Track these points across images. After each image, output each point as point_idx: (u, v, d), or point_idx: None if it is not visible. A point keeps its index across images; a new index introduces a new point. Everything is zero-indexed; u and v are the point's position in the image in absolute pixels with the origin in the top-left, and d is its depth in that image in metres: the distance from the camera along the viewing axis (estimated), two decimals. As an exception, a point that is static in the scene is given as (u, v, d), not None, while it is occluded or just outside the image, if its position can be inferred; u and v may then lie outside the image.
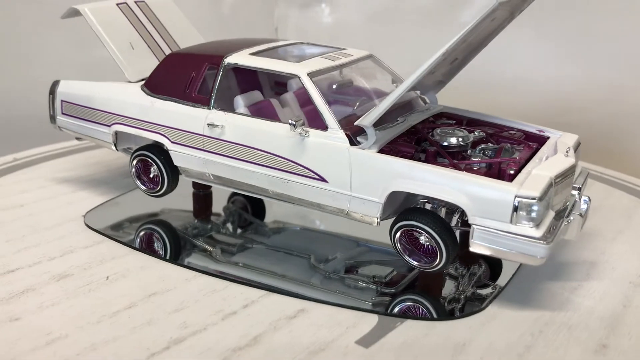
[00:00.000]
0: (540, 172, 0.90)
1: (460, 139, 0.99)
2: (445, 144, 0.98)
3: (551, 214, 0.89)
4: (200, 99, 1.06)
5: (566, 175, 0.93)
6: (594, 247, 1.10)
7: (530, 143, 1.02)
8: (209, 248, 1.09)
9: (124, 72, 1.16)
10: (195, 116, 1.06)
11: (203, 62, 1.08)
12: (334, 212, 0.99)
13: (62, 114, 1.22)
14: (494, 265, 1.04)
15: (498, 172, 0.93)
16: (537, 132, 1.09)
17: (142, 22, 1.24)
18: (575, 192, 0.98)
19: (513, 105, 1.69)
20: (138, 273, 0.97)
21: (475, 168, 0.93)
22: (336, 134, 0.95)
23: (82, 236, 1.08)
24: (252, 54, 1.07)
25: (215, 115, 1.04)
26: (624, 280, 0.99)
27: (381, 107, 0.92)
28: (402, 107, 1.06)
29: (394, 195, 0.93)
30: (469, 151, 1.00)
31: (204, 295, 0.91)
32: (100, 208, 1.21)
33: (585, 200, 0.98)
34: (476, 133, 1.03)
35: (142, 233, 1.13)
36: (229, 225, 1.20)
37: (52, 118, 1.24)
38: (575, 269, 1.03)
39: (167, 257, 1.05)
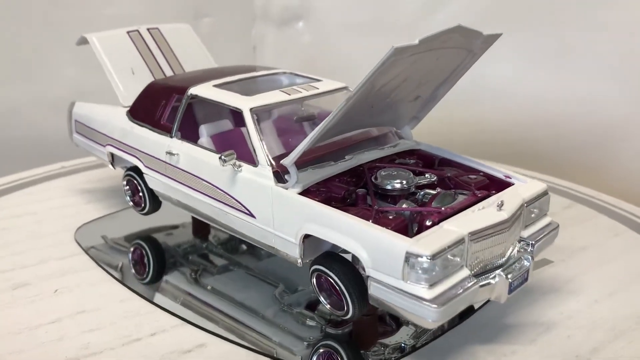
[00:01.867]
0: (452, 227, 0.83)
1: (402, 182, 0.94)
2: (387, 187, 0.94)
3: (461, 274, 0.82)
4: (166, 127, 1.11)
5: (491, 232, 0.85)
6: (556, 303, 1.00)
7: (480, 192, 0.95)
8: (191, 269, 1.14)
9: (118, 96, 1.24)
10: (160, 143, 1.11)
11: (172, 92, 1.13)
12: (265, 248, 0.99)
13: (76, 132, 1.34)
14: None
15: (419, 221, 0.87)
16: (503, 177, 1.00)
17: (149, 48, 1.32)
18: (516, 249, 0.90)
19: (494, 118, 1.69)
20: (85, 289, 1.04)
21: (391, 217, 0.88)
22: (264, 171, 0.95)
23: (66, 247, 1.18)
24: (215, 85, 1.10)
25: (174, 143, 1.08)
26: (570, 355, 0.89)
27: (300, 147, 0.90)
28: (357, 144, 1.04)
29: (316, 237, 0.91)
30: (418, 195, 0.95)
31: (124, 317, 0.96)
32: (103, 220, 1.30)
33: (527, 259, 0.90)
34: (427, 176, 0.97)
35: (132, 249, 1.21)
36: (223, 246, 1.24)
37: (70, 135, 1.36)
38: (521, 330, 0.94)
39: (121, 277, 1.10)
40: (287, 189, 0.92)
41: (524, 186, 0.97)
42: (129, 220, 1.29)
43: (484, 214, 0.87)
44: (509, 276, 0.86)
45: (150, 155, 1.12)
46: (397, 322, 0.98)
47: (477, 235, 0.83)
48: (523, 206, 0.92)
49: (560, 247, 1.10)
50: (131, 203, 1.23)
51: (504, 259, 0.88)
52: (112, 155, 1.24)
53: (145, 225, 1.27)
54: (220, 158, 0.96)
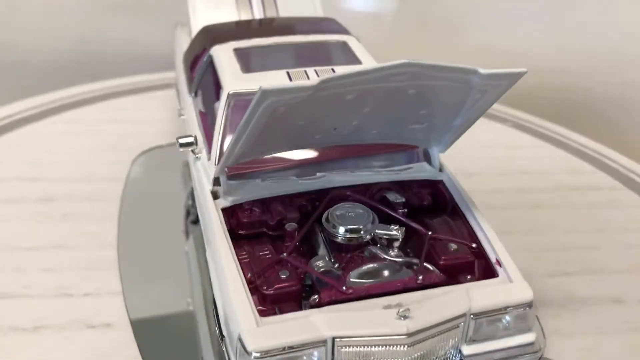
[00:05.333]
0: (320, 320, 0.64)
1: (352, 231, 0.76)
2: (332, 229, 0.77)
3: None
4: (191, 82, 1.04)
5: (376, 342, 0.64)
6: None
7: (433, 274, 0.72)
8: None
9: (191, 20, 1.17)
10: (184, 97, 1.07)
11: (204, 45, 1.04)
12: None
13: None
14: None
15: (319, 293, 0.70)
16: (493, 261, 0.74)
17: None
18: None
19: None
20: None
21: (283, 276, 0.71)
22: (210, 168, 0.84)
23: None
24: (236, 49, 0.98)
25: (187, 102, 1.04)
26: None
27: (226, 154, 0.76)
28: (345, 158, 0.85)
29: None
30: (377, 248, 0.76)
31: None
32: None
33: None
34: (393, 231, 0.76)
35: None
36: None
37: None
38: None
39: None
40: (217, 197, 0.81)
41: (501, 287, 0.71)
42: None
43: (380, 315, 0.66)
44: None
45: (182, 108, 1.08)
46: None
47: (350, 343, 0.64)
48: (461, 317, 0.67)
49: None
50: None
51: None
52: None
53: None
54: (177, 139, 0.88)
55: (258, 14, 1.15)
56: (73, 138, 1.32)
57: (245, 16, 1.16)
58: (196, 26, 1.14)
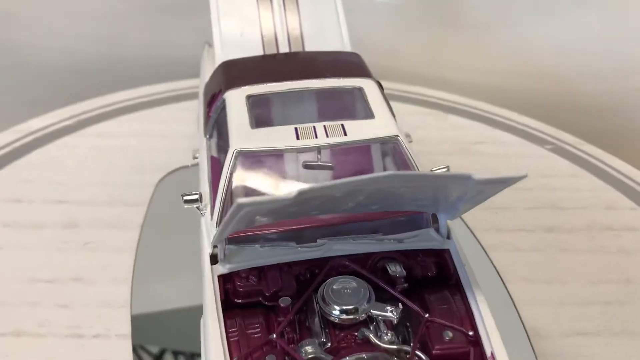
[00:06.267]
0: None
1: (342, 313, 0.74)
2: (325, 308, 0.75)
3: None
4: (207, 122, 1.03)
5: None
6: None
7: None
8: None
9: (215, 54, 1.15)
10: (200, 136, 1.06)
11: (220, 85, 1.02)
12: None
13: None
14: None
15: None
16: (489, 355, 0.72)
17: (272, 5, 1.18)
18: None
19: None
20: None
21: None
22: (212, 229, 0.84)
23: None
24: (249, 95, 0.96)
25: (202, 145, 1.03)
26: None
27: (222, 226, 0.75)
28: (347, 223, 0.83)
29: None
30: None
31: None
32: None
33: None
34: (389, 313, 0.74)
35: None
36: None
37: None
38: None
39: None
40: (215, 262, 0.81)
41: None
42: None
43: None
44: None
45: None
46: None
47: None
48: None
49: None
50: None
51: None
52: None
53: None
54: (182, 195, 0.87)
55: (283, 49, 1.13)
56: (101, 154, 1.35)
57: (269, 50, 1.14)
58: (221, 56, 1.13)
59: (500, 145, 1.45)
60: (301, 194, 0.58)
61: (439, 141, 1.46)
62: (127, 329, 0.97)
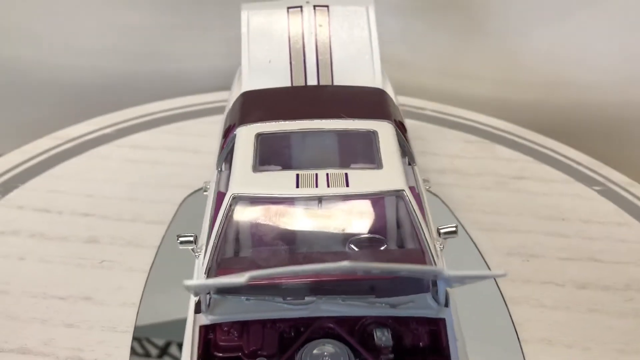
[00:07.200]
0: None
1: None
2: None
3: None
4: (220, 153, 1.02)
5: None
6: None
7: None
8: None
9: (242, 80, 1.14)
10: (213, 167, 1.04)
11: (235, 117, 1.00)
12: None
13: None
14: None
15: None
16: None
17: (304, 33, 1.15)
18: None
19: None
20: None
21: None
22: (201, 274, 0.82)
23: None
24: (259, 133, 0.93)
25: (212, 177, 1.02)
26: None
27: (199, 287, 0.74)
28: (339, 282, 0.80)
29: None
30: None
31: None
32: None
33: None
34: None
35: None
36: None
37: None
38: None
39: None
40: (198, 312, 0.79)
41: None
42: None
43: None
44: None
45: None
46: None
47: None
48: None
49: None
50: None
51: None
52: None
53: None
54: (177, 236, 0.86)
55: (311, 80, 1.10)
56: (133, 166, 1.36)
57: (297, 79, 1.11)
58: (247, 83, 1.11)
59: (543, 182, 1.37)
60: (251, 277, 0.56)
61: (478, 173, 1.39)
62: (126, 355, 0.97)
